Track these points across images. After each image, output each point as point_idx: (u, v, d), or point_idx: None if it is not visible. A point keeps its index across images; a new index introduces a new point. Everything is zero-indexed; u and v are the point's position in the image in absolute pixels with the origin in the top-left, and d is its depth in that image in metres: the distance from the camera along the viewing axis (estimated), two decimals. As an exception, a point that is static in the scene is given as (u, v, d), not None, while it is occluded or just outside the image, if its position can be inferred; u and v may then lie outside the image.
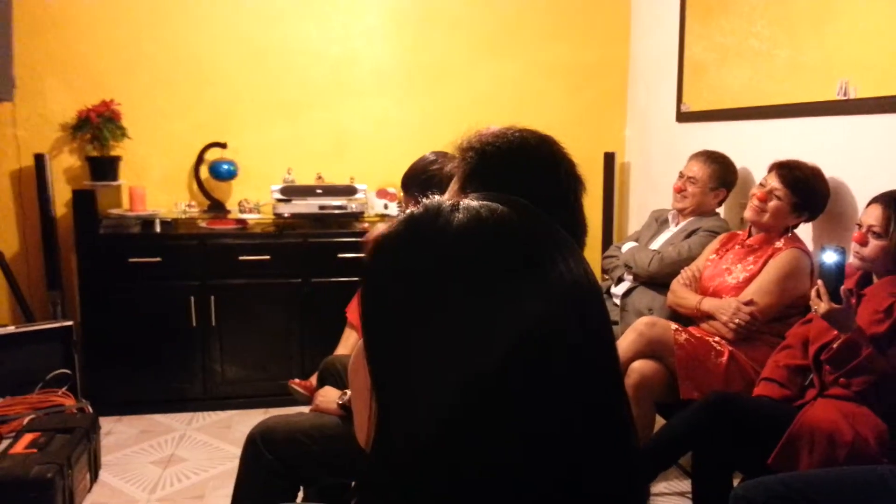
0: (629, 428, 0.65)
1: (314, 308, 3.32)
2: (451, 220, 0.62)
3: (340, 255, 3.34)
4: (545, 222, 0.67)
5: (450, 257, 0.61)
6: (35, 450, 2.31)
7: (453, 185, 1.15)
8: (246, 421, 3.08)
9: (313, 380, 2.79)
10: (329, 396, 1.90)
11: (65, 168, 3.45)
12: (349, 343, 2.84)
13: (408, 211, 0.66)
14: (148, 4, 3.44)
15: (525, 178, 1.08)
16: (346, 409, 1.82)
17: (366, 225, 3.52)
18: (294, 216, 3.38)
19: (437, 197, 0.69)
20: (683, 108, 3.32)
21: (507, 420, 0.58)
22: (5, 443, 2.45)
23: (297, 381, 2.87)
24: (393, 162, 3.65)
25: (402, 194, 2.35)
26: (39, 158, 3.24)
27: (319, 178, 3.55)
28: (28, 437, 2.40)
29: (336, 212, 3.40)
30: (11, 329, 2.96)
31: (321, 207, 3.38)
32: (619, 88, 3.90)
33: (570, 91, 3.84)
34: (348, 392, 1.86)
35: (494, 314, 0.59)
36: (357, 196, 3.44)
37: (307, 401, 2.72)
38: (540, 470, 0.58)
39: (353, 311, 2.93)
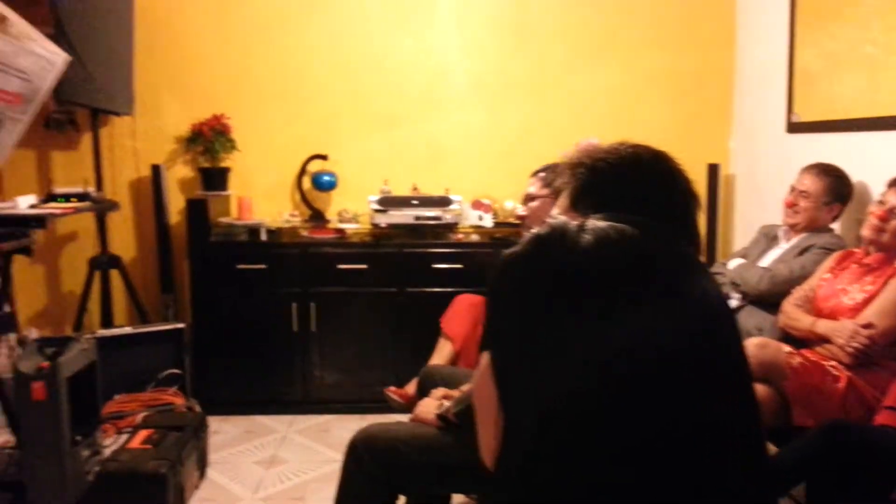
0: (762, 447, 0.64)
1: (408, 317, 3.36)
2: (578, 240, 0.62)
3: (434, 266, 3.38)
4: (673, 243, 0.66)
5: (577, 277, 0.61)
6: (150, 445, 2.45)
7: (562, 202, 1.13)
8: (344, 425, 3.16)
9: (409, 388, 2.83)
10: (427, 407, 1.91)
11: (179, 178, 3.65)
12: (444, 354, 2.87)
13: (534, 231, 0.66)
14: (255, 26, 3.60)
15: (638, 195, 1.06)
16: (443, 419, 1.83)
17: (460, 236, 3.54)
18: (390, 226, 3.44)
19: (561, 218, 0.69)
20: (794, 119, 3.17)
21: (634, 438, 0.57)
22: (122, 438, 2.61)
23: (393, 388, 2.92)
24: (488, 173, 3.68)
25: (529, 181, 2.40)
26: (156, 169, 3.45)
27: (415, 189, 3.61)
28: (143, 434, 2.54)
29: (431, 222, 3.44)
30: (128, 330, 3.15)
31: (416, 218, 3.43)
32: (723, 97, 3.77)
33: (671, 100, 3.73)
34: (445, 402, 1.87)
35: (621, 334, 0.58)
36: (452, 207, 3.47)
37: (402, 409, 2.76)
38: (666, 488, 0.57)
39: (447, 321, 2.95)
